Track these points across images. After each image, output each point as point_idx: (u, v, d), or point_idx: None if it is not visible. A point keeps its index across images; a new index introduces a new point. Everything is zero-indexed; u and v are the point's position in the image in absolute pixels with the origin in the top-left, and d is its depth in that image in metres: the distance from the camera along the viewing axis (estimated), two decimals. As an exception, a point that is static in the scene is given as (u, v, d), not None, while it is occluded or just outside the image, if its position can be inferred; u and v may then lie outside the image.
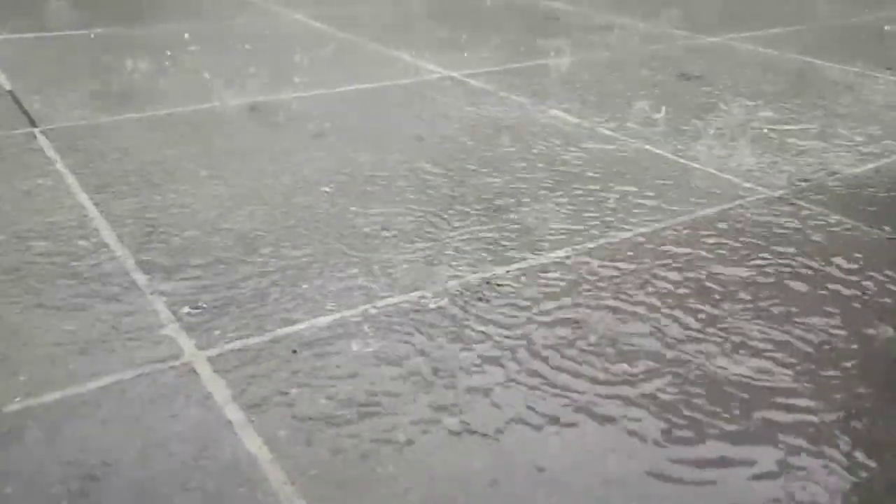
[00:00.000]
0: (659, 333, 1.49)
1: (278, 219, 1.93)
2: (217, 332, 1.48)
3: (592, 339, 1.47)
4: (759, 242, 1.85)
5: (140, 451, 1.18)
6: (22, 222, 1.88)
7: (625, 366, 1.40)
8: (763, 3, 4.76)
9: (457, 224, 1.91)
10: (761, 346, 1.47)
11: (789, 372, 1.40)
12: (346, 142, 2.44)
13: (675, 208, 2.02)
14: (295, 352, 1.43)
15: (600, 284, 1.66)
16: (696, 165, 2.30)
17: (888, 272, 1.73)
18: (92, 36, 3.67)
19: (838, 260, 1.78)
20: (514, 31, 3.97)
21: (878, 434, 1.26)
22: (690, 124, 2.65)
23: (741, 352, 1.45)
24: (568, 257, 1.76)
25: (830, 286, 1.67)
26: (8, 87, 2.91)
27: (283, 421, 1.25)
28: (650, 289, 1.64)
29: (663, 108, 2.77)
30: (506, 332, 1.49)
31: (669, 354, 1.43)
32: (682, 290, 1.64)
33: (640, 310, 1.57)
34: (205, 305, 1.57)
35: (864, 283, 1.69)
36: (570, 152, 2.37)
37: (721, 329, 1.52)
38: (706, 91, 3.02)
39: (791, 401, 1.32)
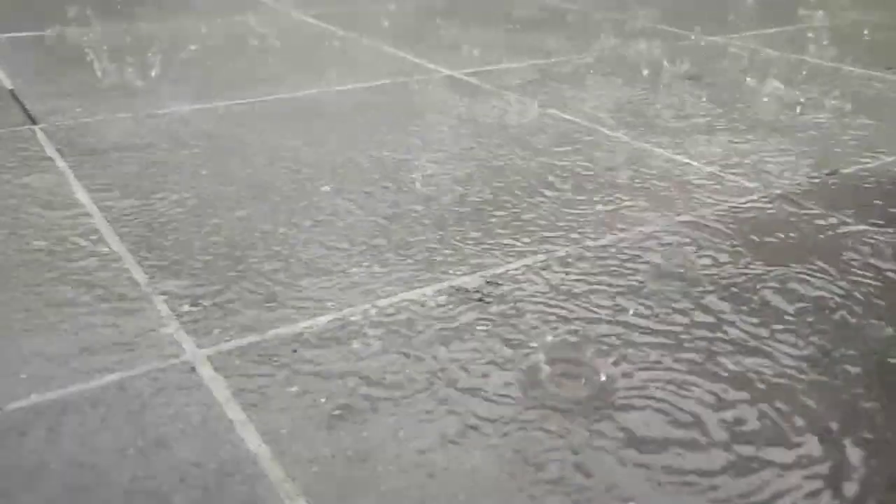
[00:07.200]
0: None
1: (279, 217, 1.94)
2: (217, 331, 1.48)
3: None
4: (759, 239, 1.86)
5: (140, 450, 1.19)
6: (21, 220, 1.89)
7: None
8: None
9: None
10: (759, 344, 1.47)
11: (789, 370, 1.40)
12: (347, 140, 2.44)
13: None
14: (295, 350, 1.43)
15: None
16: (696, 164, 2.31)
17: (888, 269, 1.74)
18: (92, 34, 3.67)
19: (838, 258, 1.78)
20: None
21: (878, 433, 1.26)
22: (690, 122, 2.66)
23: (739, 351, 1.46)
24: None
25: (830, 283, 1.68)
26: (9, 85, 2.91)
27: (283, 419, 1.26)
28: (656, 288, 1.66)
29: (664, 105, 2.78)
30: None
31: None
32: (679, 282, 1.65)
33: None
34: (205, 304, 1.57)
35: (865, 280, 1.70)
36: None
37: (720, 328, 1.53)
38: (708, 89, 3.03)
39: (791, 399, 1.33)
